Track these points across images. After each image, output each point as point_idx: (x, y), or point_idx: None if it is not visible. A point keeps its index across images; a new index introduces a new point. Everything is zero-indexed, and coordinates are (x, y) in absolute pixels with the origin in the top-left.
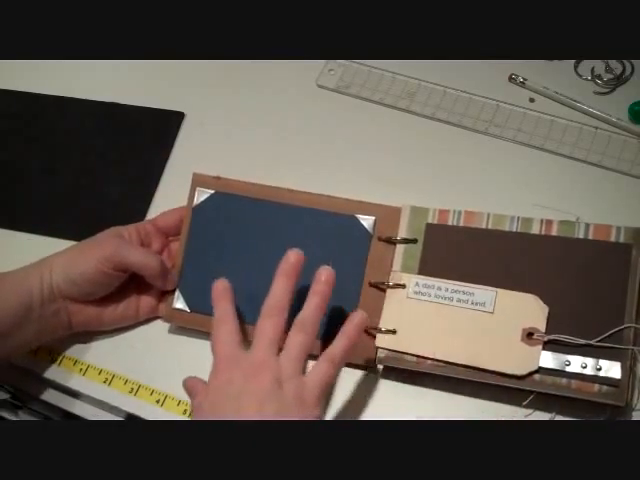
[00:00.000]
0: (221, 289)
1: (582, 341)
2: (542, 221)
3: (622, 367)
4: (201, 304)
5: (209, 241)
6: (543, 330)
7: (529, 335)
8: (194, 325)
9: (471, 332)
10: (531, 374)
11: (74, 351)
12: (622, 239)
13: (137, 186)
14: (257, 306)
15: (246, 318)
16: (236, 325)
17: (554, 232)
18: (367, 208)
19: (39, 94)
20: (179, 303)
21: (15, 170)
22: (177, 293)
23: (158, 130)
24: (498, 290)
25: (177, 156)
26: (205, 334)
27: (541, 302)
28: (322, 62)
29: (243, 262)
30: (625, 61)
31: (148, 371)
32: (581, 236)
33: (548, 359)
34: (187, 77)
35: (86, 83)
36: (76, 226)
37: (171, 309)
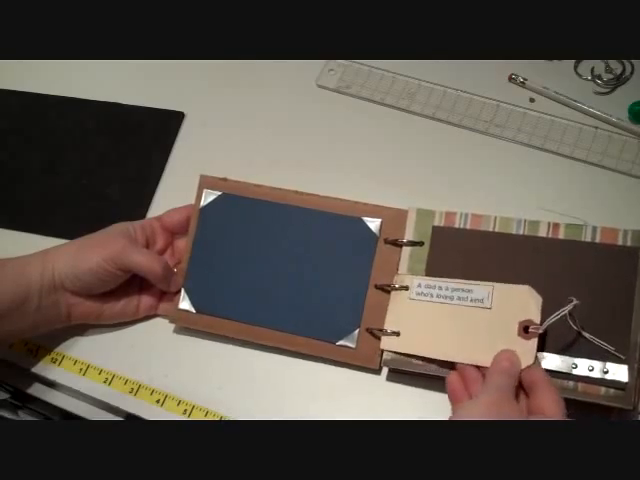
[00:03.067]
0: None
1: (584, 334)
2: (549, 224)
3: (629, 370)
4: (207, 305)
5: (216, 242)
6: (538, 321)
7: (525, 329)
8: (200, 326)
9: (471, 330)
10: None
11: (74, 351)
12: (629, 242)
13: (137, 186)
14: (264, 306)
15: (253, 318)
16: None
17: (561, 235)
18: (373, 210)
19: (39, 94)
20: (185, 304)
21: (15, 170)
22: (183, 294)
23: (158, 130)
24: (494, 284)
25: (177, 156)
26: (207, 334)
27: (534, 292)
28: (322, 62)
29: (250, 263)
30: (625, 61)
31: (148, 371)
32: (588, 239)
33: (555, 361)
34: (187, 77)
35: (86, 83)
36: (76, 226)
37: (177, 310)
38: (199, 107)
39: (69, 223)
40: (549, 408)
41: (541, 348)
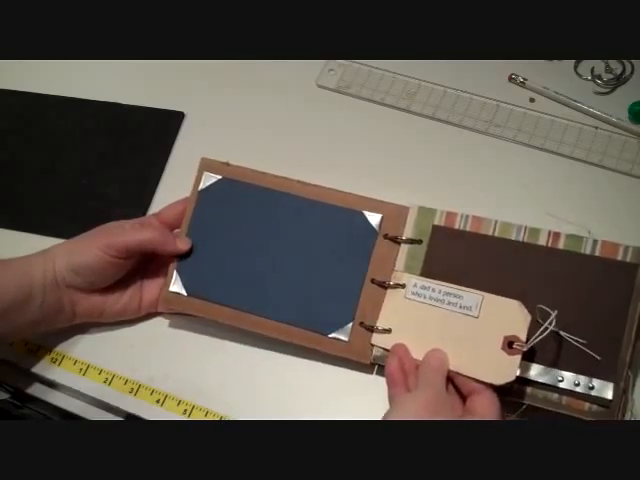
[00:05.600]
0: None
1: (570, 337)
2: (549, 233)
3: (615, 388)
4: (199, 288)
5: (212, 225)
6: (524, 339)
7: (510, 344)
8: (191, 310)
9: (456, 336)
10: (522, 386)
11: (74, 351)
12: (629, 258)
13: (137, 186)
14: (258, 294)
15: (246, 306)
16: None
17: (561, 245)
18: (375, 205)
19: (40, 94)
20: (176, 286)
21: (15, 170)
22: (175, 276)
23: (158, 130)
24: (485, 294)
25: (177, 156)
26: (206, 334)
27: (525, 310)
28: (322, 62)
29: (246, 249)
30: (625, 61)
31: (148, 371)
32: (588, 252)
33: (541, 373)
34: (187, 77)
35: (86, 83)
36: (76, 226)
37: (167, 292)
38: (199, 107)
39: (69, 223)
40: (483, 407)
41: (528, 358)
